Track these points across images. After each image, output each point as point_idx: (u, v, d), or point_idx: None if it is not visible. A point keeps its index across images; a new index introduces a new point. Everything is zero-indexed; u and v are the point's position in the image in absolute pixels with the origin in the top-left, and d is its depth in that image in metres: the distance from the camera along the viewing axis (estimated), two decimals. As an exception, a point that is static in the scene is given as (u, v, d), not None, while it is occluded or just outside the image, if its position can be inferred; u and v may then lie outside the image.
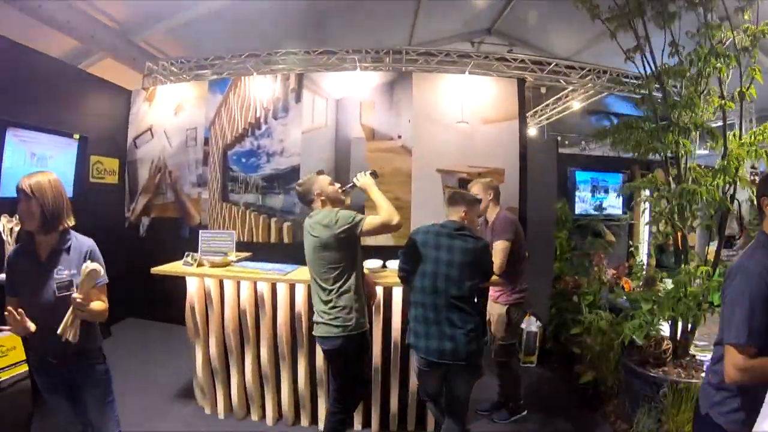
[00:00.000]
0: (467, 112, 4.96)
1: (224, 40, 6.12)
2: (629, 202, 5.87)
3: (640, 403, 2.84)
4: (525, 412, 3.22)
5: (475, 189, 3.14)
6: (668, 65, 3.09)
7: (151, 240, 5.21)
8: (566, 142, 9.90)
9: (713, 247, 3.10)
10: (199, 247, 3.35)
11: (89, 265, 1.73)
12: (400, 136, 4.93)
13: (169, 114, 5.23)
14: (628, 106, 8.04)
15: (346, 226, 2.20)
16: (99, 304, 1.83)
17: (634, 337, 2.94)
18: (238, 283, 2.95)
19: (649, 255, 4.99)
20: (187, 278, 2.99)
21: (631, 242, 6.15)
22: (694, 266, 2.86)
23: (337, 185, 2.57)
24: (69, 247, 1.83)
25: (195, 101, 5.19)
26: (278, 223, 4.96)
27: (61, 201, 1.79)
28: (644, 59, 3.17)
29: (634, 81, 3.57)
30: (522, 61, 5.58)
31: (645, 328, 2.95)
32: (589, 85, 6.14)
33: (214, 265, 3.04)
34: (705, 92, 3.02)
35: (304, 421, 3.01)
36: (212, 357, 3.03)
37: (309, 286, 2.63)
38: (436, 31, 8.64)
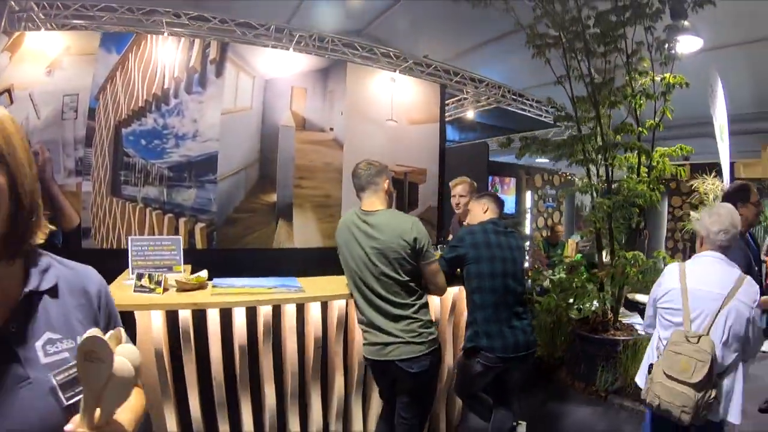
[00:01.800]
0: (396, 110, 4.95)
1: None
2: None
3: (597, 363, 3.39)
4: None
5: (460, 189, 3.19)
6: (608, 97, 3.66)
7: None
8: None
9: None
10: (130, 262, 2.59)
11: (115, 334, 0.69)
12: (332, 129, 4.61)
13: (40, 72, 3.74)
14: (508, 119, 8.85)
15: (425, 240, 1.97)
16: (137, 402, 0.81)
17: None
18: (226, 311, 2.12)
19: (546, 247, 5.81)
20: (151, 313, 1.98)
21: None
22: (631, 255, 3.48)
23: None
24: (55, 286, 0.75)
25: (80, 58, 3.84)
26: (188, 224, 4.09)
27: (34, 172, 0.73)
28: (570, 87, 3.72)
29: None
30: (435, 67, 5.80)
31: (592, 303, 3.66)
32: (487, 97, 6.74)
33: (184, 289, 2.15)
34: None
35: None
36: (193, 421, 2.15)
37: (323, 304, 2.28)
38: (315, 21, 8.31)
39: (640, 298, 4.15)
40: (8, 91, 3.70)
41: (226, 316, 2.13)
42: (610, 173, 3.75)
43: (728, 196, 2.73)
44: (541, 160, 5.50)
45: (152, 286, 2.10)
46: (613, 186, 3.77)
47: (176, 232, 4.00)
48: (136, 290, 2.08)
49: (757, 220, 3.39)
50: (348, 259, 2.03)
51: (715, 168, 5.68)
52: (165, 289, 2.10)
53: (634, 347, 3.30)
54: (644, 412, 2.15)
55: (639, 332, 3.48)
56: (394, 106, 4.89)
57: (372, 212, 2.01)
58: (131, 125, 3.95)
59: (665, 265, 2.39)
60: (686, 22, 3.81)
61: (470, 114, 7.34)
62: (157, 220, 4.00)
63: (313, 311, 2.26)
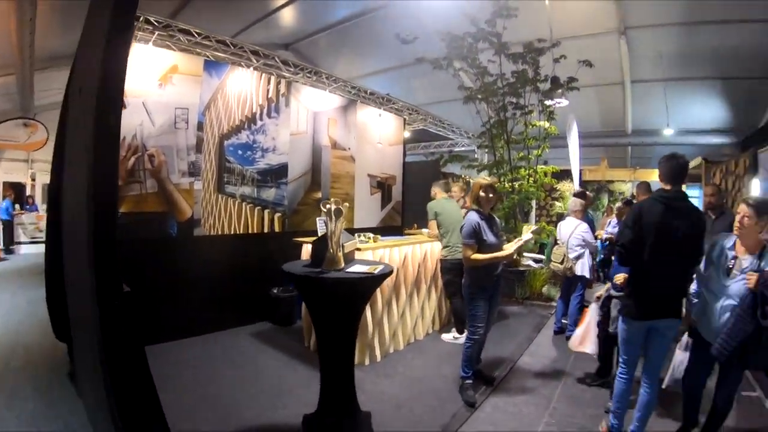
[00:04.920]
0: (381, 136, 6.95)
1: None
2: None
3: (515, 283, 6.22)
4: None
5: (456, 189, 5.49)
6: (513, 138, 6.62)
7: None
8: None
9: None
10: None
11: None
12: (349, 148, 6.36)
13: (152, 84, 4.32)
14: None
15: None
16: None
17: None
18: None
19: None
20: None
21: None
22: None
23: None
24: None
25: (187, 77, 4.56)
26: (270, 214, 5.28)
27: None
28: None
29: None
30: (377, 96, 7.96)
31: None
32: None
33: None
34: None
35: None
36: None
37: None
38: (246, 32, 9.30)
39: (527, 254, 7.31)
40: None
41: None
42: (515, 181, 6.79)
43: (577, 194, 5.87)
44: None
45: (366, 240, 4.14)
46: (515, 188, 6.81)
47: (262, 220, 5.25)
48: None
49: (589, 206, 6.78)
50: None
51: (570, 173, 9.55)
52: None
53: (532, 273, 6.29)
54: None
55: (533, 266, 6.54)
56: (380, 133, 6.91)
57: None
58: (231, 138, 4.97)
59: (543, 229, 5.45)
60: (560, 91, 7.06)
61: (407, 134, 9.74)
62: (249, 212, 5.12)
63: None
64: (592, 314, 3.54)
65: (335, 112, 6.13)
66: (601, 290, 3.55)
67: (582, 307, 4.50)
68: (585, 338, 3.54)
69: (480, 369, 3.70)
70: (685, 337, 2.85)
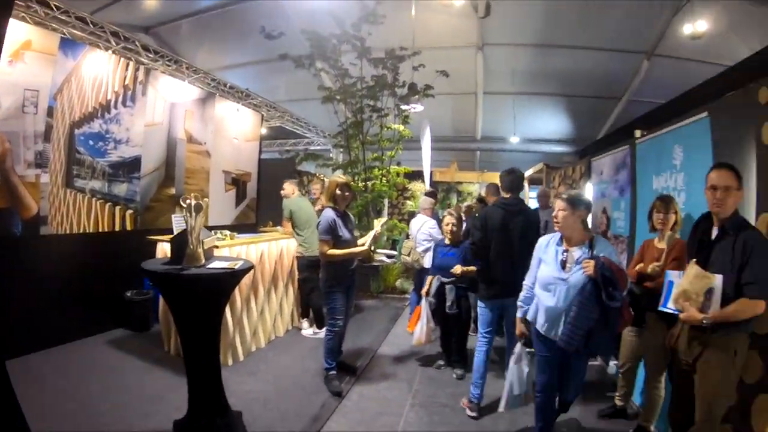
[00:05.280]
0: (237, 132, 8.26)
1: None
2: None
3: (369, 277, 8.28)
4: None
5: (317, 186, 7.20)
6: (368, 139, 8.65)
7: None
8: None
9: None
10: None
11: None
12: (205, 143, 7.54)
13: (2, 61, 4.54)
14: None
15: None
16: None
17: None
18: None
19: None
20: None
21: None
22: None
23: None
24: None
25: (41, 56, 5.07)
26: (122, 211, 6.17)
27: None
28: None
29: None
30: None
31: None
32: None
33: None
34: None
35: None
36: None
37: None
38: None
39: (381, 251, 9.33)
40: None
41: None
42: (368, 181, 8.80)
43: (428, 194, 8.01)
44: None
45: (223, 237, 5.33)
46: (368, 187, 8.83)
47: (114, 218, 6.13)
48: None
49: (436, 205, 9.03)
50: None
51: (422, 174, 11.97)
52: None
53: (386, 268, 8.36)
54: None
55: (386, 261, 8.57)
56: (237, 129, 8.23)
57: None
58: (82, 127, 5.74)
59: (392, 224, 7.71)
60: (416, 97, 9.23)
61: (263, 131, 10.94)
62: (100, 208, 5.95)
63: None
64: (425, 310, 4.98)
65: (193, 104, 7.30)
66: (426, 286, 5.08)
67: (418, 298, 5.74)
68: (429, 332, 5.00)
69: (342, 360, 4.83)
70: (518, 348, 3.56)
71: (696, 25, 9.88)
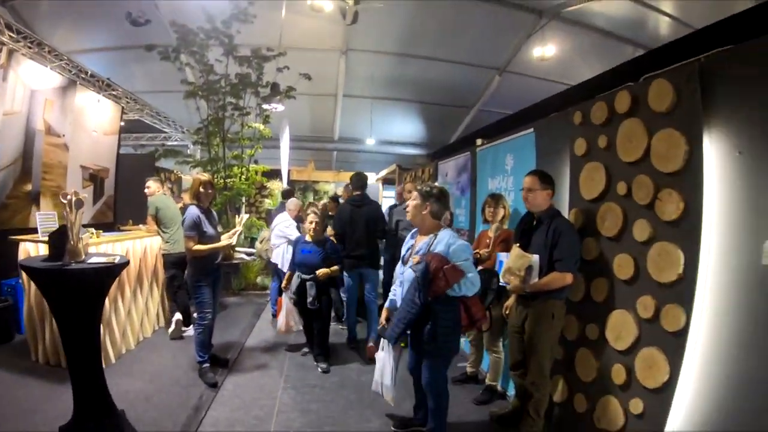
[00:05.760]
0: (96, 124, 7.84)
1: None
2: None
3: (230, 275, 8.68)
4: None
5: (156, 185, 7.16)
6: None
7: None
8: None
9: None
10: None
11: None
12: (64, 135, 7.09)
13: None
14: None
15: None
16: None
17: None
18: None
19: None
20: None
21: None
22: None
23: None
24: None
25: None
26: None
27: None
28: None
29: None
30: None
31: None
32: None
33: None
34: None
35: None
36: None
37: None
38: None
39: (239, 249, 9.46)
40: None
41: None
42: (227, 179, 8.99)
43: (285, 193, 8.45)
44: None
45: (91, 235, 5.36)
46: (228, 185, 8.99)
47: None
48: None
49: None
50: None
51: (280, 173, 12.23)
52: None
53: (246, 266, 8.70)
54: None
55: (246, 259, 8.79)
56: (96, 121, 7.83)
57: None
58: None
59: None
60: (278, 98, 9.50)
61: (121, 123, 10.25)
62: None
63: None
64: (286, 301, 5.36)
65: (54, 92, 6.90)
66: (284, 281, 5.42)
67: (280, 291, 5.88)
68: (290, 321, 5.37)
69: (214, 353, 5.01)
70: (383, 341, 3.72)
71: (545, 49, 11.50)
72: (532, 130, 4.57)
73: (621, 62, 5.64)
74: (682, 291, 2.80)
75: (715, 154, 2.70)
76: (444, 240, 3.22)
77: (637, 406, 3.06)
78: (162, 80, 10.99)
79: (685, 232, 2.82)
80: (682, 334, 2.77)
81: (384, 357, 3.59)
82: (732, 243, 2.62)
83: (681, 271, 2.80)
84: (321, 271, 5.02)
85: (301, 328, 5.47)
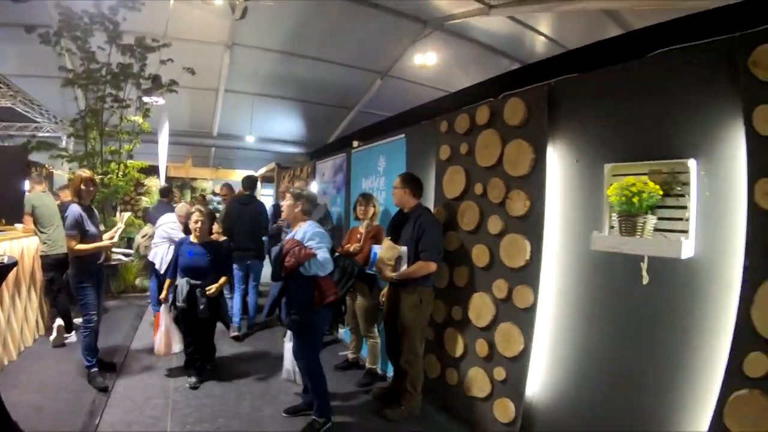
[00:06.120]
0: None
1: None
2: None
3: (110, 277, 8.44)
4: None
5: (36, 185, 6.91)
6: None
7: None
8: None
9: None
10: None
11: None
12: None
13: None
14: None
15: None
16: None
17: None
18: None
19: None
20: None
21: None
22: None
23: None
24: None
25: None
26: None
27: None
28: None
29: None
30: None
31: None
32: None
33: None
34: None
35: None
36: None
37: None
38: None
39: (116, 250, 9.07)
40: None
41: None
42: (105, 175, 8.77)
43: (163, 191, 8.33)
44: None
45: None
46: (105, 181, 8.76)
47: None
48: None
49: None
50: None
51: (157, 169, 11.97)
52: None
53: (124, 267, 8.53)
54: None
55: (124, 260, 8.52)
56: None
57: None
58: None
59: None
60: (159, 91, 9.30)
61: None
62: None
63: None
64: (164, 317, 4.89)
65: None
66: (164, 291, 4.94)
67: (159, 286, 5.72)
68: (169, 341, 4.94)
69: (100, 358, 4.77)
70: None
71: (426, 57, 12.23)
72: (403, 135, 5.13)
73: (497, 74, 6.28)
74: (530, 274, 3.42)
75: (557, 162, 3.36)
76: (303, 229, 3.82)
77: (500, 373, 3.63)
78: (36, 64, 10.30)
79: (531, 225, 3.43)
80: (531, 310, 3.38)
81: (290, 347, 4.18)
82: (568, 233, 3.24)
83: (528, 257, 3.42)
84: (212, 289, 4.73)
85: (182, 348, 4.99)
